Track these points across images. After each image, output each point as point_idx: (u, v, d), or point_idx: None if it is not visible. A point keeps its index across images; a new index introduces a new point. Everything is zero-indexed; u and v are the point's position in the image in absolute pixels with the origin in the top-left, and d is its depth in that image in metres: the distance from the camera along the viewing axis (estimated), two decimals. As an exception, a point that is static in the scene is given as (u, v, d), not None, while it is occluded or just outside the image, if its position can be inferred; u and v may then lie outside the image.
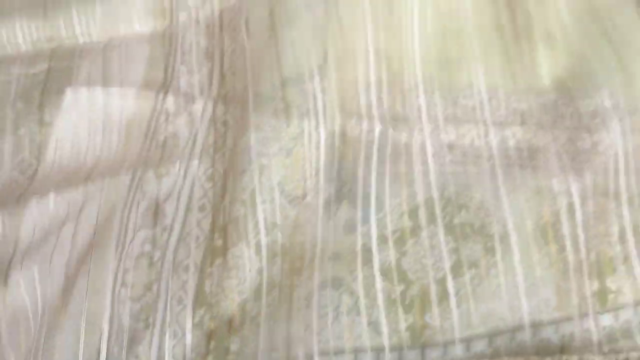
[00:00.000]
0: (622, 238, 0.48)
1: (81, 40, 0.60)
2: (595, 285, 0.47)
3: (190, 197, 0.49)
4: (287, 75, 0.53)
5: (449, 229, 0.48)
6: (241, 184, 0.48)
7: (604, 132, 0.51)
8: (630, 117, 0.52)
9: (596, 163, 0.50)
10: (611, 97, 0.53)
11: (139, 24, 0.61)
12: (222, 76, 0.55)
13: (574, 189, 0.49)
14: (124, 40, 0.59)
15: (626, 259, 0.47)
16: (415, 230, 0.48)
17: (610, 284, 0.47)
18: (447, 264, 0.47)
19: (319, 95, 0.52)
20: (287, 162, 0.50)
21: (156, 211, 0.48)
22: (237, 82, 0.54)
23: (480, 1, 0.58)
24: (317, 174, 0.50)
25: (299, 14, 0.55)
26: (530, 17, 0.57)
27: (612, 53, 0.55)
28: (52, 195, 0.48)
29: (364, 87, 0.53)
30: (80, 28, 0.60)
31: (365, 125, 0.51)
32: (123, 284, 0.46)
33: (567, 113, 0.53)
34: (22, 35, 0.60)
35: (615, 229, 0.48)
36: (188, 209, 0.48)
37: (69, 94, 0.53)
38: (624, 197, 0.49)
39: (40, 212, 0.48)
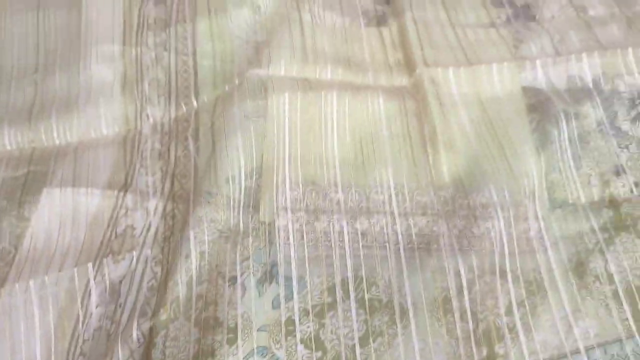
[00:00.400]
0: (509, 311, 0.57)
1: (57, 142, 0.70)
2: (485, 351, 0.55)
3: (141, 279, 0.58)
4: (226, 175, 0.63)
5: (361, 303, 0.57)
6: (184, 267, 0.58)
7: (491, 221, 0.61)
8: (514, 209, 0.63)
9: (485, 247, 0.60)
10: (498, 192, 0.63)
11: (107, 129, 0.71)
12: (173, 177, 0.65)
13: (463, 269, 0.58)
14: (93, 142, 0.70)
15: (512, 328, 0.56)
16: (333, 304, 0.57)
17: (499, 349, 0.55)
18: (357, 334, 0.56)
19: (253, 192, 0.63)
20: (225, 247, 0.59)
21: (112, 290, 0.57)
22: (185, 182, 0.64)
23: (391, 113, 0.70)
24: (249, 258, 0.59)
25: (236, 125, 0.66)
26: (434, 127, 0.68)
27: (502, 157, 0.66)
28: (31, 283, 0.58)
29: (290, 185, 0.63)
30: (58, 133, 0.71)
31: (291, 216, 0.61)
32: (81, 353, 0.54)
33: (463, 205, 0.63)
34: (9, 138, 0.70)
35: (502, 303, 0.57)
36: (139, 289, 0.57)
37: (44, 194, 0.64)
38: (509, 275, 0.59)
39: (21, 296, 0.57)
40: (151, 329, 0.55)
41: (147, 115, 0.72)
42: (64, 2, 0.84)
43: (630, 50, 0.74)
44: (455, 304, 0.57)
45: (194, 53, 0.77)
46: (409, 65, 0.75)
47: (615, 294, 0.58)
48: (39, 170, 0.67)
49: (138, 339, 0.54)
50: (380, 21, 0.82)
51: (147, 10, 0.82)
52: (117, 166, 0.67)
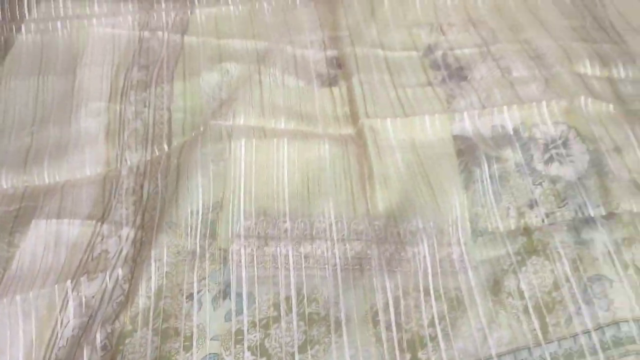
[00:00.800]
0: (432, 323, 0.66)
1: (47, 181, 0.81)
2: (408, 357, 0.63)
3: (111, 295, 0.67)
4: (187, 208, 0.73)
5: (302, 317, 0.66)
6: (149, 285, 0.67)
7: (417, 247, 0.71)
8: (438, 236, 0.72)
9: (411, 268, 0.69)
10: (425, 222, 0.73)
11: (90, 170, 0.82)
12: (144, 210, 0.75)
13: (389, 287, 0.67)
14: (78, 181, 0.80)
15: (434, 338, 0.65)
16: (278, 318, 0.66)
17: (421, 356, 0.64)
18: (297, 343, 0.64)
19: (210, 223, 0.72)
20: (184, 268, 0.69)
21: (86, 305, 0.66)
22: (154, 214, 0.74)
23: (335, 156, 0.81)
24: (206, 278, 0.68)
25: (198, 165, 0.77)
26: (372, 167, 0.79)
27: (430, 193, 0.77)
28: (18, 297, 0.66)
29: (244, 216, 0.73)
30: (48, 174, 0.81)
31: (244, 242, 0.71)
32: (57, 359, 0.62)
33: (394, 233, 0.73)
34: (6, 179, 0.81)
35: (426, 316, 0.66)
36: (109, 303, 0.66)
37: (33, 225, 0.73)
38: (433, 293, 0.68)
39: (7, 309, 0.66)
40: (119, 338, 0.63)
41: (126, 160, 0.83)
42: (61, 70, 0.98)
43: (544, 103, 0.86)
44: (382, 316, 0.66)
45: (169, 108, 0.90)
46: (353, 118, 0.87)
47: (526, 308, 0.66)
48: (30, 205, 0.77)
49: (105, 347, 0.62)
50: (332, 82, 0.95)
51: (131, 75, 0.96)
52: (96, 201, 0.77)
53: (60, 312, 0.65)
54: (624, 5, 1.13)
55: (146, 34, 1.05)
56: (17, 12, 1.09)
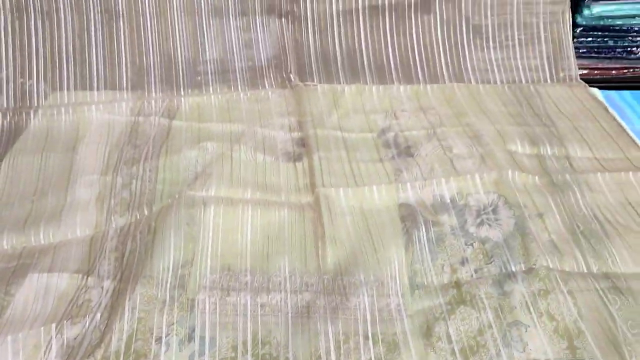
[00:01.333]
0: (371, 363, 0.75)
1: (42, 242, 0.92)
2: (347, 390, 0.72)
3: (91, 338, 0.76)
4: (160, 264, 0.84)
5: (256, 357, 0.75)
6: (123, 328, 0.77)
7: (359, 297, 0.81)
8: (378, 289, 0.83)
9: (352, 316, 0.79)
10: (367, 277, 0.84)
11: (80, 231, 0.94)
12: (124, 266, 0.86)
13: (332, 331, 0.77)
14: (69, 241, 0.92)
15: (372, 376, 0.74)
16: (235, 358, 0.75)
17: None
18: (249, 378, 0.74)
19: (180, 277, 0.84)
20: (156, 314, 0.79)
21: (67, 345, 0.75)
22: (132, 269, 0.85)
23: (293, 220, 0.94)
24: (174, 323, 0.78)
25: (172, 227, 0.89)
26: (324, 229, 0.91)
27: (372, 252, 0.88)
28: (9, 338, 0.76)
29: (210, 270, 0.85)
30: (43, 236, 0.93)
31: (209, 292, 0.82)
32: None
33: (340, 285, 0.84)
34: (7, 241, 0.92)
35: (365, 357, 0.75)
36: (89, 344, 0.75)
37: (28, 279, 0.84)
38: (371, 337, 0.78)
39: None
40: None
41: (112, 223, 0.95)
42: (62, 149, 1.13)
43: (477, 175, 1.00)
44: (325, 357, 0.75)
45: (154, 180, 1.03)
46: (312, 187, 1.01)
47: (453, 351, 0.76)
48: (26, 262, 0.88)
49: (82, 381, 0.72)
50: (296, 159, 1.09)
51: (123, 153, 1.11)
52: (84, 258, 0.88)
53: (44, 353, 0.74)
54: (559, 96, 1.30)
55: (140, 118, 1.21)
56: (28, 101, 1.25)
